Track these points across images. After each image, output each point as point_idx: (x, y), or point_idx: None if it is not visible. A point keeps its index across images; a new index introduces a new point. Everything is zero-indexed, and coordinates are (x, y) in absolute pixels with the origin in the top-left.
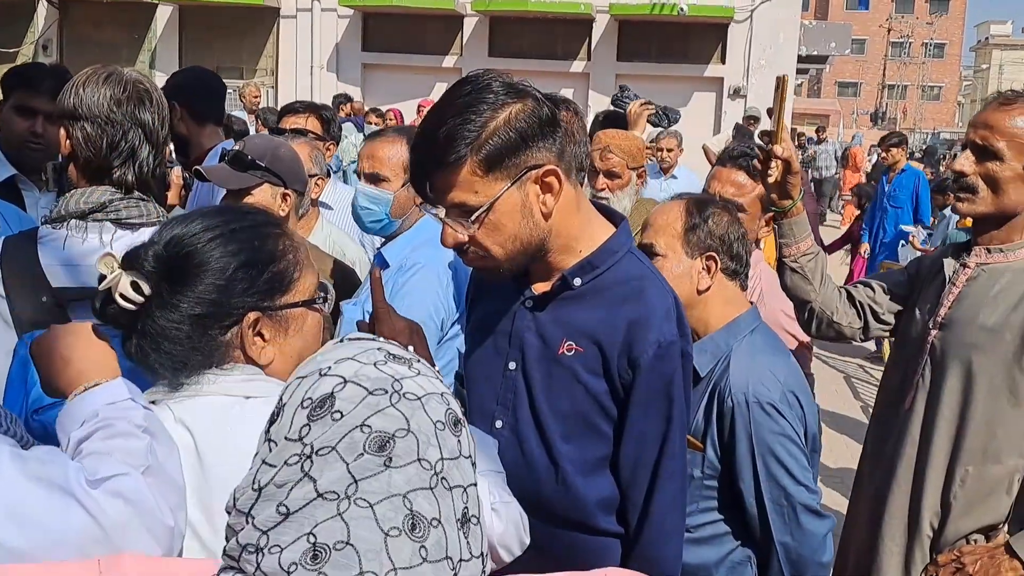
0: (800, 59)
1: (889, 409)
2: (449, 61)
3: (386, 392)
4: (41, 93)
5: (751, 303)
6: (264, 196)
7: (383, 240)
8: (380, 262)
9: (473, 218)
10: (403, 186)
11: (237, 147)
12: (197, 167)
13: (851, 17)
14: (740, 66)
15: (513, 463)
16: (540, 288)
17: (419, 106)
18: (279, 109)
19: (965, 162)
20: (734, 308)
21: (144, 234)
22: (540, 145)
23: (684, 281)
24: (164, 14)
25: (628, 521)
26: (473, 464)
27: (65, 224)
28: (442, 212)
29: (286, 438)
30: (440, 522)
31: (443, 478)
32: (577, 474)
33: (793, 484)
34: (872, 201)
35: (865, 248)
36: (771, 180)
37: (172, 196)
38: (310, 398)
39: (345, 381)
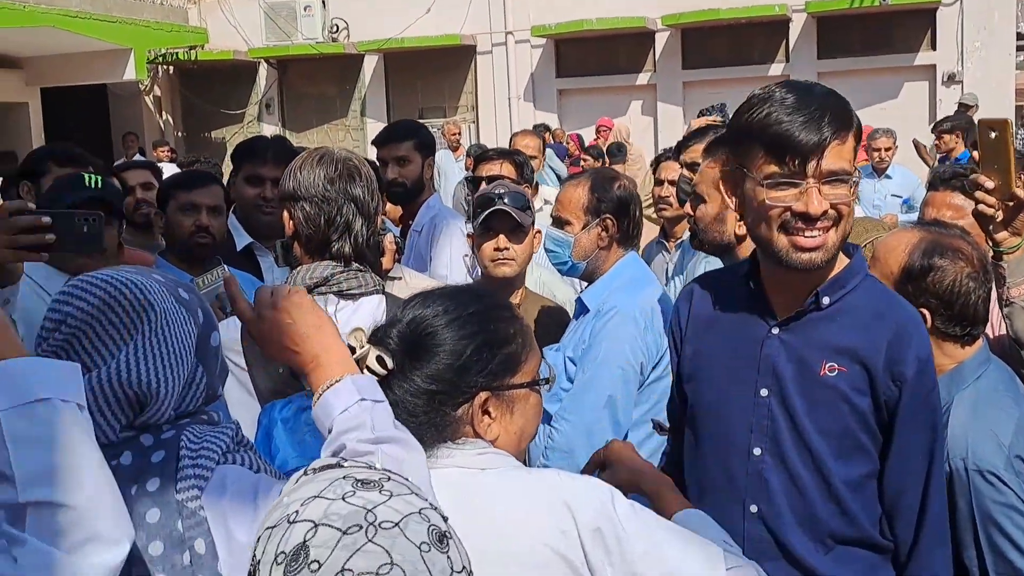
0: (1020, 36)
1: None
2: (643, 78)
3: (360, 527)
4: (266, 162)
5: (986, 335)
6: (531, 236)
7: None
8: (581, 308)
9: (851, 183)
10: (583, 229)
11: (499, 191)
12: (501, 207)
13: None
14: (953, 51)
15: (782, 487)
16: (786, 311)
17: (597, 127)
18: (476, 155)
19: None
20: (951, 360)
21: (364, 304)
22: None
23: None
24: (371, 64)
25: (898, 534)
26: (469, 574)
27: None
28: (810, 183)
29: None
30: None
31: None
32: (847, 491)
33: (1021, 558)
34: None
35: None
36: (999, 220)
37: (387, 262)
38: (283, 551)
39: (316, 525)
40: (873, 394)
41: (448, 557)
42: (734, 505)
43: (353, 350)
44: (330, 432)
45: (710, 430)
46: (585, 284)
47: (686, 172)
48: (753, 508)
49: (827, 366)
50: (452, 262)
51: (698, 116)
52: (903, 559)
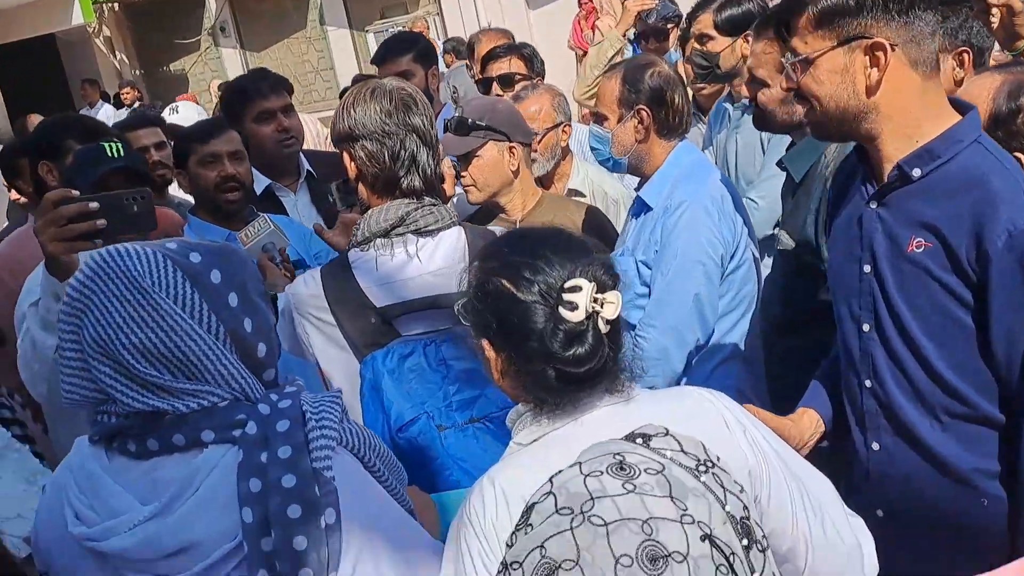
0: None
1: None
2: None
3: (571, 512)
4: (267, 95)
5: None
6: (491, 154)
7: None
8: (640, 206)
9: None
10: (619, 122)
11: (457, 113)
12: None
13: None
14: None
15: (887, 364)
16: (881, 183)
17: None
18: (484, 56)
19: None
20: None
21: (444, 239)
22: (880, 18)
23: None
24: None
25: (1014, 412)
26: None
27: (372, 244)
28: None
29: (506, 543)
30: None
31: None
32: (948, 368)
33: None
34: None
35: None
36: (995, 26)
37: (448, 188)
38: (528, 504)
39: (549, 492)
40: (959, 271)
41: None
42: (853, 379)
43: (577, 309)
44: None
45: (837, 307)
46: (636, 179)
47: (696, 45)
48: (868, 383)
49: (915, 242)
50: None
51: None
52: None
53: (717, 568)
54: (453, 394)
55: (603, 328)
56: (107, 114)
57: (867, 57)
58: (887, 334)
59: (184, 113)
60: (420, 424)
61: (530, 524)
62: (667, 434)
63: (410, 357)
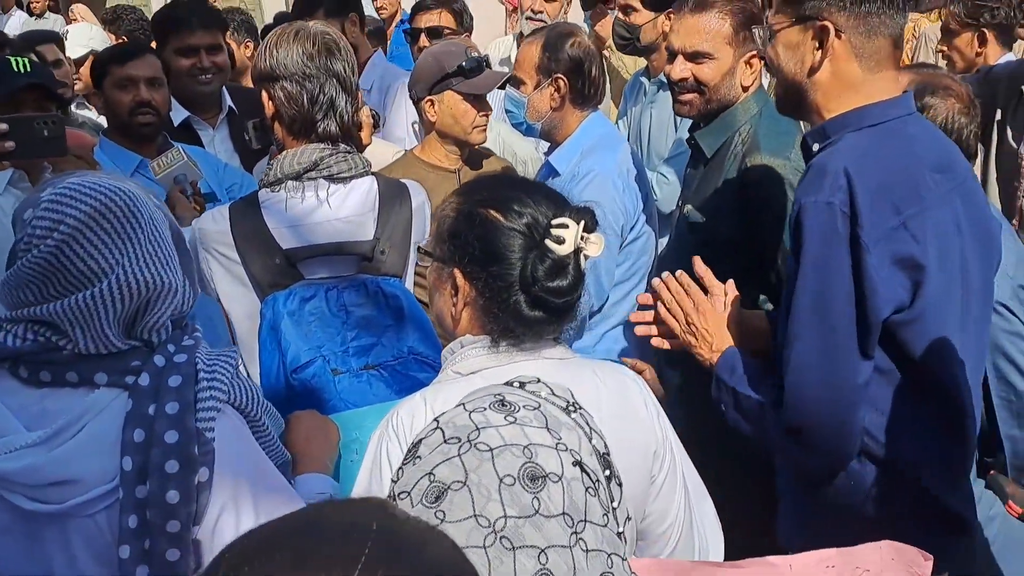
0: None
1: None
2: None
3: (459, 441)
4: (193, 30)
5: None
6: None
7: (548, 147)
8: (549, 171)
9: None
10: (536, 88)
11: (476, 54)
12: (468, 79)
13: None
14: None
15: None
16: None
17: None
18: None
19: None
20: None
21: (355, 187)
22: (835, 4)
23: None
24: None
25: None
26: (578, 523)
27: (283, 186)
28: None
29: (391, 479)
30: None
31: (503, 537)
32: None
33: (1022, 380)
34: None
35: None
36: None
37: (365, 136)
38: (415, 440)
39: (438, 427)
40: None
41: (536, 498)
42: None
43: (560, 240)
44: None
45: None
46: (548, 145)
47: (620, 15)
48: None
49: None
50: (409, 125)
51: None
52: None
53: (587, 489)
54: (351, 340)
55: (583, 265)
56: (19, 22)
57: (815, 40)
58: None
59: (75, 38)
60: (316, 367)
61: (418, 456)
62: (539, 381)
63: (311, 300)
